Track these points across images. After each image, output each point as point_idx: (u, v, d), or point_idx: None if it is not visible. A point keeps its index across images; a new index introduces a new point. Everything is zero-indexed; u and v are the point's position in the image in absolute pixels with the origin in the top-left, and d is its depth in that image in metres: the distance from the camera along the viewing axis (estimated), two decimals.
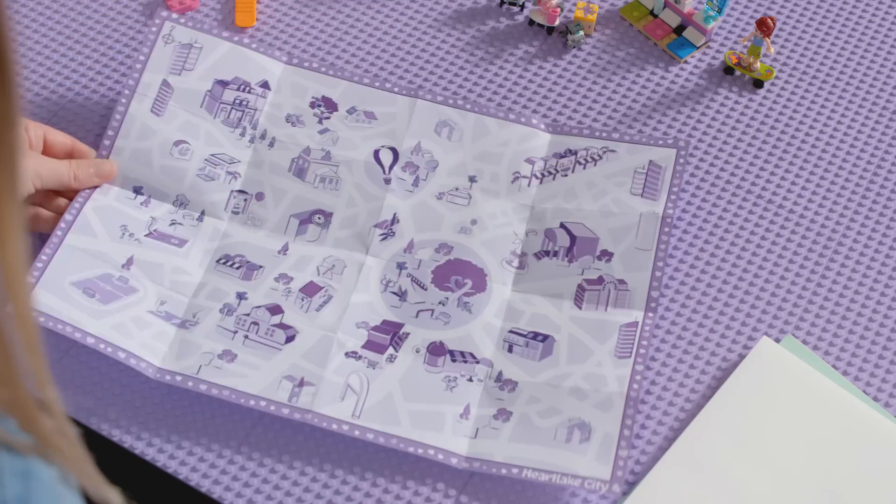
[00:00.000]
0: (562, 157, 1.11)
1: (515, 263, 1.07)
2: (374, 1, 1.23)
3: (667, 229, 1.06)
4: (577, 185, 1.10)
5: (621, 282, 1.04)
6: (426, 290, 1.05)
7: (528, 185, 1.10)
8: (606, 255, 1.06)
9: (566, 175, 1.10)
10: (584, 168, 1.10)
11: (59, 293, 1.01)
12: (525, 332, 1.03)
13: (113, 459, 1.03)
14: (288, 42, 1.20)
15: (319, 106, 1.13)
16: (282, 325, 1.02)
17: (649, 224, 1.07)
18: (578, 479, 0.95)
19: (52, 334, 0.99)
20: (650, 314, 1.03)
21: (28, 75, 1.17)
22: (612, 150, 1.11)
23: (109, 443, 0.99)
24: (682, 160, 1.10)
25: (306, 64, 1.15)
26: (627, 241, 1.06)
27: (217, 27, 1.17)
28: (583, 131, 1.12)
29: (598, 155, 1.11)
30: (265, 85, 1.14)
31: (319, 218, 1.08)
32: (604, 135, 1.12)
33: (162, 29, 1.14)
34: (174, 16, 1.15)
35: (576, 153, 1.11)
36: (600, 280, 1.05)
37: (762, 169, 1.14)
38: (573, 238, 1.07)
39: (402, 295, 1.04)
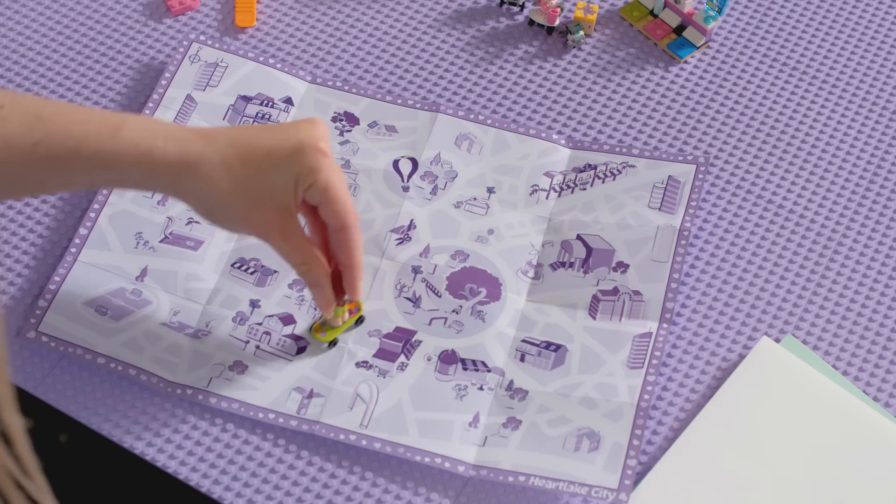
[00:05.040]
0: (581, 171, 1.11)
1: (531, 274, 1.06)
2: (374, 1, 1.23)
3: (683, 242, 1.07)
4: (595, 198, 1.10)
5: (636, 293, 1.04)
6: (440, 296, 1.05)
7: (547, 197, 1.10)
8: (622, 266, 1.06)
9: (584, 189, 1.10)
10: (603, 182, 1.11)
11: (72, 315, 1.01)
12: (538, 342, 1.03)
13: (113, 460, 1.03)
14: (288, 42, 1.20)
15: (341, 120, 1.14)
16: (293, 336, 1.02)
17: (666, 236, 1.07)
18: (586, 487, 0.95)
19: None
20: (664, 325, 1.03)
21: (28, 75, 1.17)
22: (632, 166, 1.11)
23: (109, 443, 0.99)
24: (701, 175, 1.10)
25: (330, 83, 1.16)
26: (643, 252, 1.06)
27: (243, 48, 1.17)
28: (602, 147, 1.12)
29: (618, 170, 1.11)
30: (288, 101, 1.15)
31: None
32: (623, 150, 1.12)
33: (189, 50, 1.16)
34: (202, 37, 1.17)
35: (595, 168, 1.11)
36: (615, 291, 1.05)
37: (762, 169, 1.14)
38: (589, 249, 1.07)
39: (416, 301, 1.04)
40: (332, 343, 1.01)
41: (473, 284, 1.05)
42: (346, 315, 1.01)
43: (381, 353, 1.01)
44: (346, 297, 0.99)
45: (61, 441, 1.11)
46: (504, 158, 1.12)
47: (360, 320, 1.02)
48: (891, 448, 0.99)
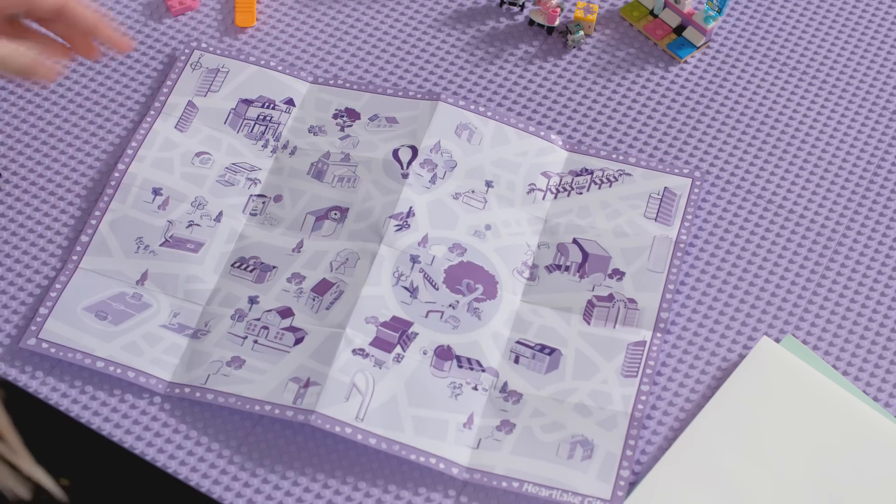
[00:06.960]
0: (578, 174, 1.12)
1: (526, 274, 1.07)
2: (374, 1, 1.23)
3: (679, 254, 1.07)
4: (591, 203, 1.10)
5: (631, 301, 1.04)
6: (438, 289, 1.05)
7: (543, 198, 1.10)
8: (618, 273, 1.06)
9: (581, 193, 1.11)
10: (599, 188, 1.11)
11: (72, 320, 1.02)
12: (532, 344, 1.03)
13: (113, 459, 1.03)
14: (288, 42, 1.20)
15: (342, 116, 1.14)
16: (291, 328, 1.02)
17: (662, 247, 1.07)
18: (579, 496, 0.95)
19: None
20: (658, 334, 1.03)
21: None
22: (628, 174, 1.11)
23: (109, 443, 0.99)
24: (697, 189, 1.10)
25: (332, 82, 1.16)
26: (640, 261, 1.06)
27: (244, 53, 1.18)
28: (600, 153, 1.13)
29: (614, 177, 1.11)
30: (290, 102, 1.15)
31: (336, 214, 1.08)
32: (620, 158, 1.12)
33: (191, 57, 1.17)
34: (203, 45, 1.17)
35: (591, 173, 1.12)
36: (610, 297, 1.05)
37: (762, 169, 1.14)
38: (585, 254, 1.07)
39: (413, 291, 1.04)
40: None
41: (470, 280, 1.06)
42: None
43: (378, 342, 1.01)
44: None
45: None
46: (503, 152, 1.12)
47: None
48: (891, 448, 0.99)
